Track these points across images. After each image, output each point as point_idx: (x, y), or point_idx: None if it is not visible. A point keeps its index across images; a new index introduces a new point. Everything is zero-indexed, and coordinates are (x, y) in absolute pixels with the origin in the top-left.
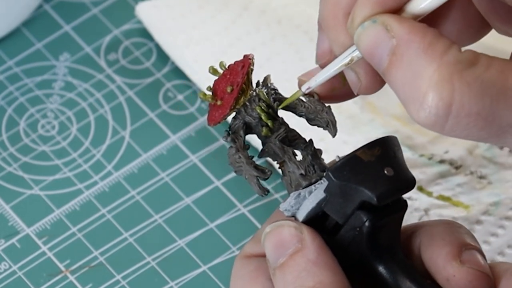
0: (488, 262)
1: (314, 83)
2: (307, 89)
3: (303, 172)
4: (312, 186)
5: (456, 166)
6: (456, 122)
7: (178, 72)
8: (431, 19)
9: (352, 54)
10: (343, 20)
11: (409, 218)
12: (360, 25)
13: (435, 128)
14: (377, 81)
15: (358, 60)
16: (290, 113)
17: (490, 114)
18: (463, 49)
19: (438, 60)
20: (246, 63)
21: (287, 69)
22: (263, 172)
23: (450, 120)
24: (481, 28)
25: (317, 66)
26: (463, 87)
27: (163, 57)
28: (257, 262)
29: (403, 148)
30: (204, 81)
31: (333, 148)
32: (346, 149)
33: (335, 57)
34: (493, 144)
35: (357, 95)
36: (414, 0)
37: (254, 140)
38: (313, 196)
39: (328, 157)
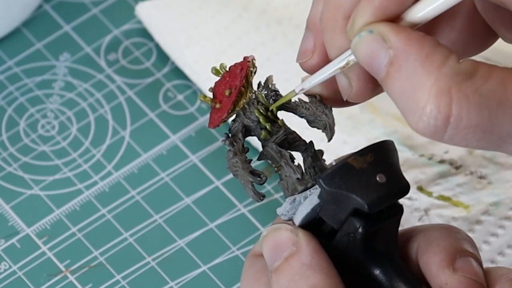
0: (488, 263)
1: (308, 84)
2: (301, 90)
3: (299, 176)
4: (308, 191)
5: (456, 166)
6: (455, 133)
7: (178, 72)
8: (437, 30)
9: (348, 58)
10: (343, 23)
11: (409, 218)
12: (357, 34)
13: (433, 138)
14: (368, 89)
15: (352, 66)
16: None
17: (489, 125)
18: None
19: (436, 72)
20: (244, 66)
21: (287, 69)
22: (259, 177)
23: (448, 131)
24: (488, 37)
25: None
26: (462, 100)
27: (163, 57)
28: (263, 262)
29: (403, 148)
30: (204, 81)
31: (333, 148)
32: (346, 149)
33: (320, 57)
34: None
35: (346, 101)
36: (413, 8)
37: (255, 140)
38: (308, 202)
39: (328, 157)
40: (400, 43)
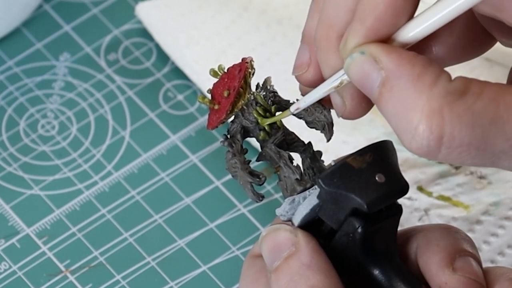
0: (487, 263)
1: (303, 103)
2: (296, 109)
3: (298, 177)
4: (307, 192)
5: (456, 166)
6: (449, 152)
7: (178, 72)
8: (436, 36)
9: (342, 77)
10: (336, 43)
11: (409, 218)
12: (348, 56)
13: (428, 157)
14: (362, 107)
15: (346, 85)
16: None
17: (482, 143)
18: (458, 69)
19: (428, 92)
20: (243, 67)
21: (287, 69)
22: (258, 178)
23: (442, 150)
24: (486, 42)
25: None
26: (454, 119)
27: (163, 57)
28: (262, 262)
29: (403, 148)
30: (204, 81)
31: (333, 148)
32: (346, 149)
33: (316, 70)
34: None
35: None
36: (404, 28)
37: (254, 141)
38: (307, 202)
39: (327, 158)
40: (391, 64)
